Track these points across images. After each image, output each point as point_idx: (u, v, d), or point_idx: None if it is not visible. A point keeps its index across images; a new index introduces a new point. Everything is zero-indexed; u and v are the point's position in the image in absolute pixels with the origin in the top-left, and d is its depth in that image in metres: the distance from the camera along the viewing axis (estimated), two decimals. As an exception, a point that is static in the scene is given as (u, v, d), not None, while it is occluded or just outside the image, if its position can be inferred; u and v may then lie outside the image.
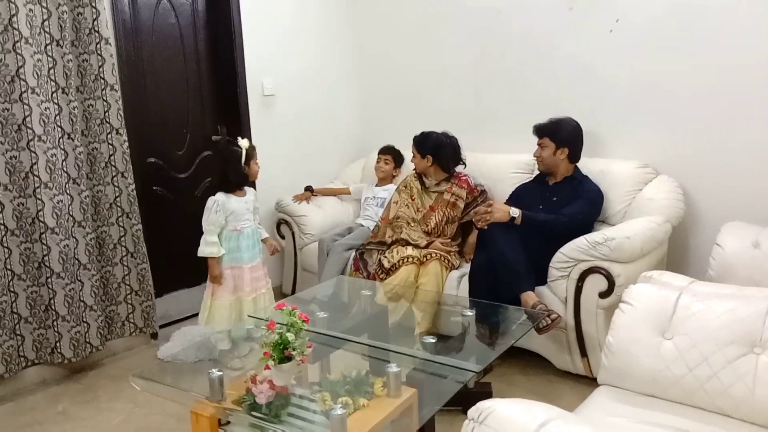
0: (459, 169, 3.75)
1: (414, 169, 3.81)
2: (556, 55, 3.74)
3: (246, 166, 3.23)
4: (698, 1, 3.25)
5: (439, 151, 3.66)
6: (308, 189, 4.28)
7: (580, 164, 3.40)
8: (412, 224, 3.66)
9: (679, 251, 3.44)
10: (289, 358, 2.08)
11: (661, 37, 3.37)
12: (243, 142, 3.22)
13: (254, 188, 3.47)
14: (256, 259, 3.32)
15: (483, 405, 1.22)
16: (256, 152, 3.32)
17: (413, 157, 3.75)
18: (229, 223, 3.23)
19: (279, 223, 4.20)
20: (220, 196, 3.21)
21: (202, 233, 3.22)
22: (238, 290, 3.28)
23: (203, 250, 3.21)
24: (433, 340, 2.46)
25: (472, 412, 1.22)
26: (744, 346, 1.80)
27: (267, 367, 2.10)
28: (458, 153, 3.71)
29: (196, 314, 3.60)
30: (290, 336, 2.07)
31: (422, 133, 3.72)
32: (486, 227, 3.15)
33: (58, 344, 3.16)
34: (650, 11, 3.39)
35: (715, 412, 1.82)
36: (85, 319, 3.23)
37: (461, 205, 3.65)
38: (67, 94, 3.11)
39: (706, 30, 3.24)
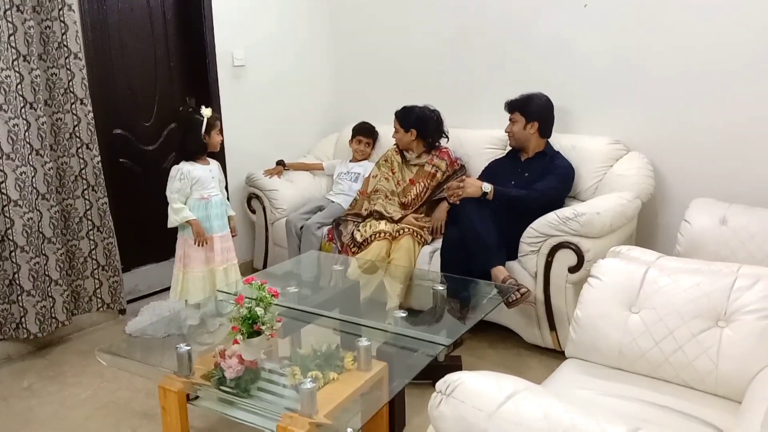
0: (442, 142, 3.73)
1: (395, 144, 3.78)
2: (533, 31, 3.71)
3: (206, 135, 3.17)
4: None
5: (423, 124, 3.63)
6: (280, 163, 4.22)
7: (551, 140, 3.41)
8: (390, 197, 3.64)
9: (649, 227, 3.48)
10: (258, 333, 2.07)
11: (636, 14, 3.36)
12: (206, 111, 3.16)
13: (217, 160, 3.40)
14: (225, 229, 3.28)
15: (451, 377, 1.22)
16: (219, 122, 3.25)
17: (395, 131, 3.70)
18: (195, 191, 3.17)
19: (250, 198, 4.15)
20: (183, 165, 3.16)
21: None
22: (210, 261, 3.24)
23: (174, 219, 3.14)
24: (404, 314, 2.46)
25: (440, 384, 1.22)
26: (709, 320, 1.84)
27: (236, 342, 2.08)
28: (441, 126, 3.68)
29: (166, 289, 3.56)
30: (259, 310, 2.05)
31: (404, 108, 3.67)
32: (458, 202, 3.16)
33: (23, 319, 3.09)
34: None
35: (680, 385, 1.86)
36: (50, 294, 3.17)
37: (440, 176, 3.62)
38: (29, 62, 3.01)
39: (681, 9, 3.23)
